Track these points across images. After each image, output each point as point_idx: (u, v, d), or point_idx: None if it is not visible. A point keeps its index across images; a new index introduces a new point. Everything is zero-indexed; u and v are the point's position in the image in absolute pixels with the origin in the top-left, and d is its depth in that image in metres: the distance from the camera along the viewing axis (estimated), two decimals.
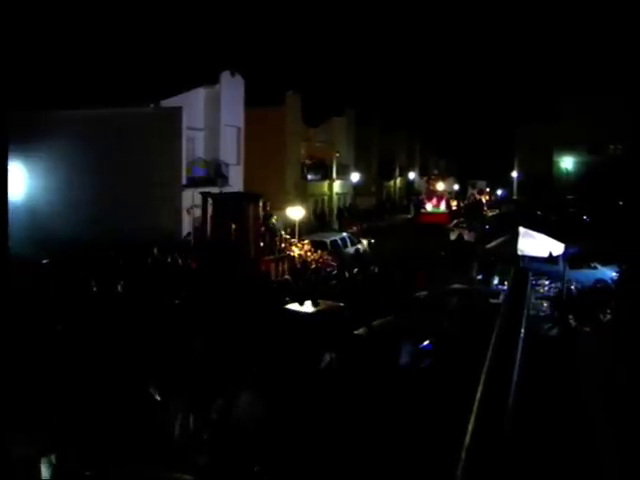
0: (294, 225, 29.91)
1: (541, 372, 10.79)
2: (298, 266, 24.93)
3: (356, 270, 24.76)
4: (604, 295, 19.86)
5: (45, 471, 9.02)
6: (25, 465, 8.71)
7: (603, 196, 49.03)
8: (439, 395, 11.71)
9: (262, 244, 23.79)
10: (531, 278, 20.17)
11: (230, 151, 32.71)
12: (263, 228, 24.26)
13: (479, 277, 24.93)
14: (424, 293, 21.59)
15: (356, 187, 54.57)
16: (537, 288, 22.94)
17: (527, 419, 8.20)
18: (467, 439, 5.28)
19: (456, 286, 22.24)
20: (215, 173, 30.50)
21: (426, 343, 15.07)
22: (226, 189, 28.67)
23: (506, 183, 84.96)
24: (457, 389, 9.31)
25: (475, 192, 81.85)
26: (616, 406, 10.85)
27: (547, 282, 23.72)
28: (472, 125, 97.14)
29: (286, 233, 27.49)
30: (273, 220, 25.95)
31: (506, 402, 6.05)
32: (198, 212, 29.30)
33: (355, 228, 39.88)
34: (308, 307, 16.97)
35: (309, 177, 44.92)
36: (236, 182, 32.40)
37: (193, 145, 30.53)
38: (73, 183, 28.62)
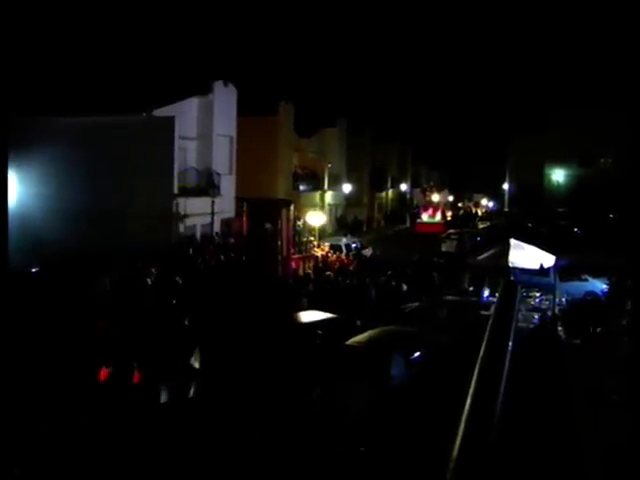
0: (313, 229, 34.02)
1: (530, 384, 10.77)
2: (320, 265, 27.71)
3: (390, 272, 26.28)
4: (594, 307, 19.89)
5: (164, 395, 12.27)
6: (148, 390, 12.21)
7: (594, 209, 49.27)
8: (428, 407, 11.70)
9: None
10: (522, 290, 20.20)
11: (222, 160, 32.64)
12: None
13: (470, 289, 25.00)
14: (416, 304, 21.67)
15: (348, 198, 54.67)
16: (528, 300, 22.96)
17: (515, 431, 8.18)
18: (454, 452, 5.27)
19: (448, 297, 22.31)
20: (207, 183, 30.44)
21: (417, 354, 15.06)
22: (218, 199, 28.82)
23: (498, 195, 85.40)
24: (446, 401, 9.30)
25: (471, 204, 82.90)
26: (606, 420, 10.86)
27: (538, 294, 23.76)
28: (464, 137, 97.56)
29: (310, 236, 31.62)
30: (299, 223, 30.34)
31: (493, 415, 6.05)
32: (189, 221, 29.41)
33: None
34: (310, 317, 17.19)
35: (301, 188, 44.96)
36: (228, 192, 32.33)
37: (185, 154, 30.46)
38: (64, 191, 28.44)
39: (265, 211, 26.36)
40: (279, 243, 25.47)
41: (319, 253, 29.81)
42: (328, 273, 25.16)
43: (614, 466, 9.25)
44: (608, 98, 58.67)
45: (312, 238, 31.76)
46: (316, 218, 35.05)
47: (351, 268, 27.74)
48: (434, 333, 16.80)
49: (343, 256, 30.85)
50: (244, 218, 26.76)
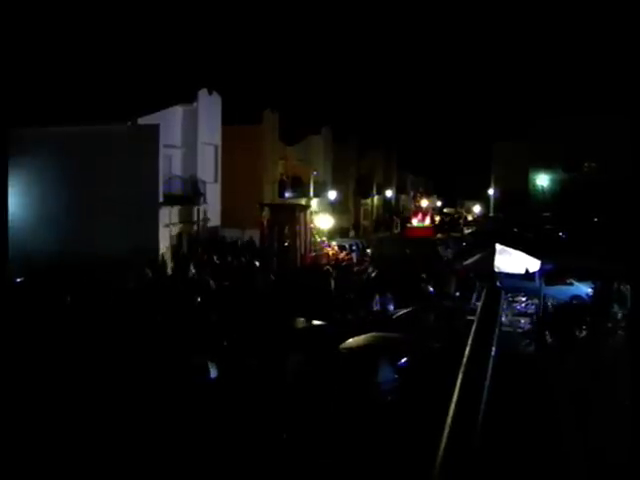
0: (322, 231, 38.20)
1: (514, 389, 10.81)
2: (332, 262, 29.99)
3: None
4: (580, 311, 19.97)
5: (213, 371, 13.54)
6: (200, 368, 13.43)
7: (578, 213, 49.49)
8: (413, 413, 11.69)
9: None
10: (507, 295, 20.22)
11: (207, 169, 32.63)
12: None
13: (457, 294, 25.00)
14: (403, 310, 21.65)
15: (333, 205, 54.64)
16: (513, 305, 23.01)
17: (498, 436, 8.20)
18: (439, 455, 5.28)
19: (435, 303, 22.30)
20: (192, 191, 30.39)
21: (404, 360, 15.04)
22: (203, 207, 28.83)
23: (483, 200, 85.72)
24: (431, 407, 9.31)
25: (463, 210, 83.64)
26: (590, 424, 10.89)
27: (524, 298, 23.80)
28: (449, 143, 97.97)
29: (321, 237, 35.71)
30: (312, 225, 33.38)
31: (476, 418, 6.07)
32: (175, 229, 29.33)
33: None
34: (301, 324, 17.24)
35: (287, 195, 44.95)
36: (213, 200, 32.30)
37: (170, 163, 30.42)
38: (50, 200, 28.40)
39: (285, 215, 29.73)
40: (297, 243, 28.88)
41: (330, 252, 33.48)
42: (357, 268, 27.77)
43: (598, 467, 9.28)
44: (591, 103, 59.14)
45: (324, 238, 36.31)
46: (325, 221, 40.28)
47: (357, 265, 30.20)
48: (421, 339, 16.80)
49: (351, 255, 34.05)
50: (265, 222, 29.53)
